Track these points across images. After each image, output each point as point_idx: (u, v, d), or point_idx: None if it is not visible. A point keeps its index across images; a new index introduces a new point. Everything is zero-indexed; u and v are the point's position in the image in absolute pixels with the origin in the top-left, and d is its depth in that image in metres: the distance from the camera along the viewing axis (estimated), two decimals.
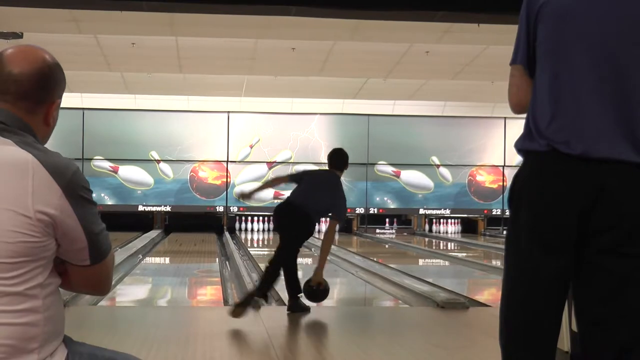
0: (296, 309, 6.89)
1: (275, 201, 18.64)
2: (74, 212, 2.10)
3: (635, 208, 2.45)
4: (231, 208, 18.36)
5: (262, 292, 6.89)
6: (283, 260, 7.07)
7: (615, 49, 2.45)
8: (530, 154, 2.52)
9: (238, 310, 6.11)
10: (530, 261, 2.52)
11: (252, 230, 18.88)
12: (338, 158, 7.31)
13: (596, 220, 2.42)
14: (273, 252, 7.30)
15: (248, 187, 6.96)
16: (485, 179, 19.69)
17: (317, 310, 7.06)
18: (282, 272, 7.15)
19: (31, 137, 2.14)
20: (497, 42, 11.27)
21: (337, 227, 7.54)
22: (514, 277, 2.61)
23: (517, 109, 2.66)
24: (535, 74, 2.52)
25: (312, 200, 7.02)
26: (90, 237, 2.14)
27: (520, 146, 2.53)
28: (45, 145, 2.20)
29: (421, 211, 19.42)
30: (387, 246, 16.89)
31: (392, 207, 19.12)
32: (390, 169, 19.03)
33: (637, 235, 2.45)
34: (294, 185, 7.37)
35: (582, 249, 2.47)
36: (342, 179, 7.55)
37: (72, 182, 2.11)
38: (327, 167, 7.41)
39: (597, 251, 2.46)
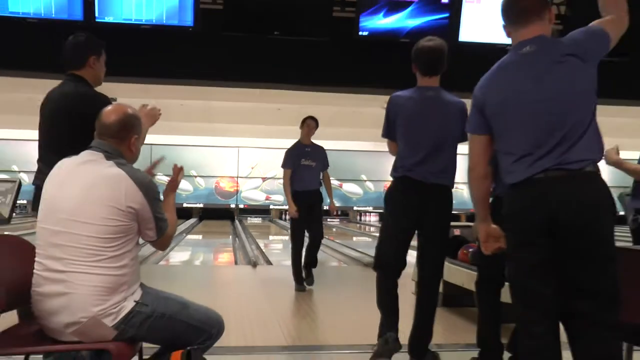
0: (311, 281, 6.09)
1: (267, 201, 19.65)
2: (148, 206, 2.19)
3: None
4: (239, 205, 19.27)
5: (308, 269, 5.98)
6: (321, 237, 5.99)
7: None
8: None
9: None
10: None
11: (251, 219, 20.18)
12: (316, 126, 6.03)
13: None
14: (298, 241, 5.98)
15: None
16: None
17: (287, 270, 6.39)
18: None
19: (123, 159, 2.26)
20: None
21: None
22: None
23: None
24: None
25: (314, 180, 5.90)
26: (157, 221, 2.24)
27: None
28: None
29: (355, 208, 20.09)
30: (334, 230, 17.03)
31: (337, 205, 19.61)
32: (336, 182, 19.62)
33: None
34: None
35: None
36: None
37: (148, 188, 2.20)
38: (303, 133, 6.05)
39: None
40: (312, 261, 6.00)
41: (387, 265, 3.35)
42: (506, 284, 2.59)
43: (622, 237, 3.72)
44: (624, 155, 3.12)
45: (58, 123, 2.89)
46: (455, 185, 3.36)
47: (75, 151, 2.33)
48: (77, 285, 2.08)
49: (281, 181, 5.97)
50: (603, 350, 2.17)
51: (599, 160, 2.25)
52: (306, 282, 5.92)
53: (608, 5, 2.29)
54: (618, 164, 3.11)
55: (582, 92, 2.22)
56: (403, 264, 3.38)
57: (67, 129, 2.81)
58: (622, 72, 6.39)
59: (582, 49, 2.23)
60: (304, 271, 5.96)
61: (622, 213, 3.25)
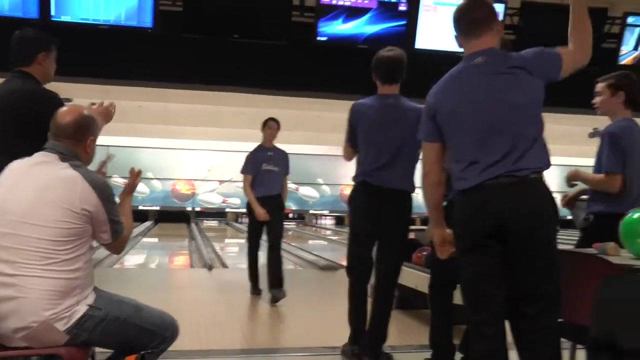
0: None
1: (223, 204, 19.60)
2: (103, 208, 2.18)
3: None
4: (195, 208, 19.05)
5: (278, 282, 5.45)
6: (281, 239, 5.63)
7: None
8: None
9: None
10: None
11: (207, 222, 19.49)
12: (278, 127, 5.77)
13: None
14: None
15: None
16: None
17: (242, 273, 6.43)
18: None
19: (79, 162, 2.24)
20: None
21: None
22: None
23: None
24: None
25: (275, 185, 5.63)
26: (112, 224, 2.24)
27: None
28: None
29: (311, 211, 20.15)
30: (290, 233, 17.28)
31: (294, 208, 19.71)
32: (293, 186, 19.62)
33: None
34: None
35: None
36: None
37: (103, 190, 2.19)
38: (264, 138, 5.74)
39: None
40: (277, 281, 5.42)
41: (355, 268, 3.44)
42: (458, 286, 2.60)
43: (569, 240, 3.82)
44: (572, 161, 3.23)
45: (3, 121, 2.74)
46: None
47: (23, 150, 2.27)
48: (28, 289, 2.02)
49: (238, 184, 5.68)
50: (548, 353, 2.24)
51: (545, 170, 2.29)
52: (272, 299, 5.34)
53: (573, 32, 2.32)
54: (576, 174, 3.11)
55: (530, 103, 2.28)
56: (370, 265, 3.46)
57: (14, 128, 2.69)
58: (567, 80, 6.64)
59: (529, 63, 2.30)
60: (270, 292, 5.44)
61: (569, 217, 3.31)
